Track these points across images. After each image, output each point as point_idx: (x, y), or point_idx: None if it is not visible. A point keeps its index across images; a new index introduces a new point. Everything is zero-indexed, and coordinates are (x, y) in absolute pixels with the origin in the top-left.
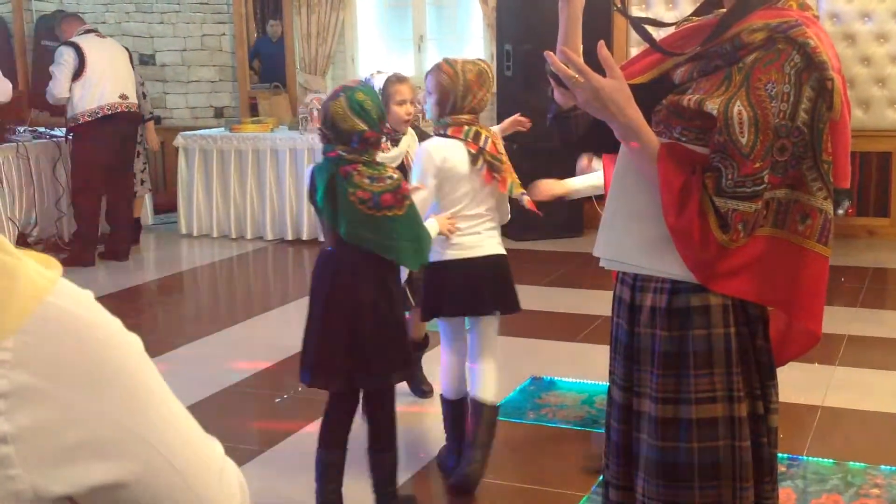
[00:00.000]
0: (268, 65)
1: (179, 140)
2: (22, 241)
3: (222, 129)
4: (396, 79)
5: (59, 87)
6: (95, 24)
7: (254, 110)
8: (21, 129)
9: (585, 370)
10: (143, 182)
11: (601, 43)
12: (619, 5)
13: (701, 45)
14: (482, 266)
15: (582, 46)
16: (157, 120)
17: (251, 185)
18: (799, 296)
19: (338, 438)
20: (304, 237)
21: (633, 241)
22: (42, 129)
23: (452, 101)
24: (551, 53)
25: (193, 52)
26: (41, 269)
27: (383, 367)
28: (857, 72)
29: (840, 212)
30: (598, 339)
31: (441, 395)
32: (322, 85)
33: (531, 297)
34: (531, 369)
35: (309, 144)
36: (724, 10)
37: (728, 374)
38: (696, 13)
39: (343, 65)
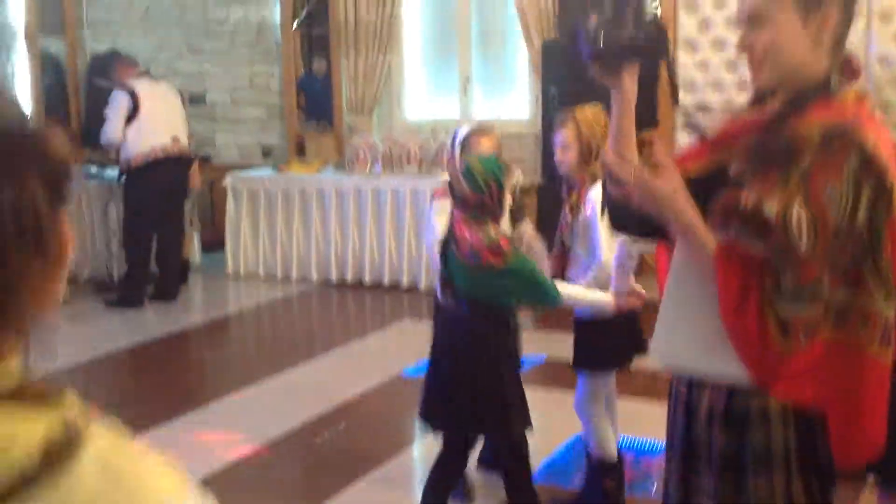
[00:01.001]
0: (312, 101)
1: (228, 180)
2: (72, 281)
3: (270, 169)
4: (479, 130)
5: (113, 130)
6: (147, 64)
7: (301, 149)
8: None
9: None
10: (191, 222)
11: (657, 143)
12: (677, 102)
13: (757, 140)
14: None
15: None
16: (206, 158)
17: (297, 226)
18: (860, 402)
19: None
20: (349, 279)
21: (689, 340)
22: (94, 170)
23: (595, 148)
24: (608, 151)
25: (242, 91)
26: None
27: (501, 418)
28: None
29: None
30: (643, 392)
31: (601, 459)
32: (368, 125)
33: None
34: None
35: (355, 185)
36: (779, 101)
37: (788, 479)
38: (751, 102)
39: (389, 105)
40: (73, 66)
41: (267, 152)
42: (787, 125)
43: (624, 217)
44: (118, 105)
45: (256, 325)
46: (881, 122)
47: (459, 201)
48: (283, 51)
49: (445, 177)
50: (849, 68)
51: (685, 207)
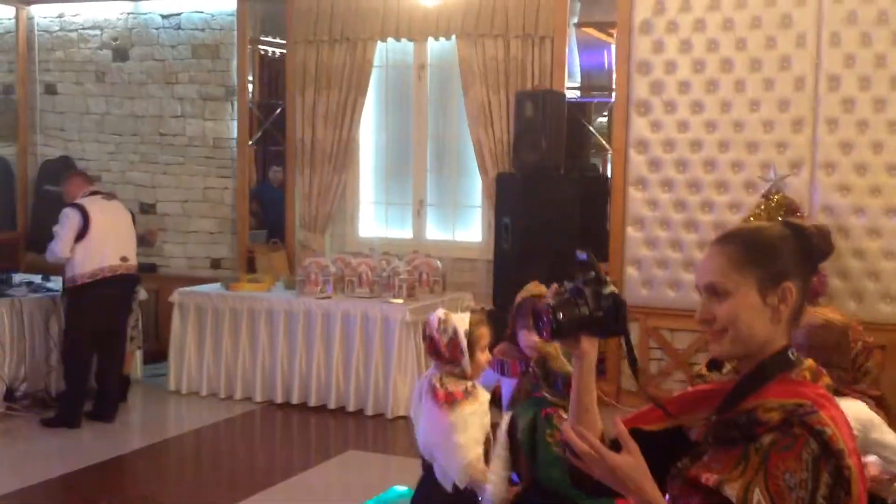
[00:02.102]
0: (268, 210)
1: (175, 296)
2: (9, 395)
3: (219, 285)
4: (479, 321)
5: (61, 248)
6: (100, 172)
7: (251, 264)
8: (16, 276)
9: None
10: (132, 339)
11: (616, 419)
12: (637, 375)
13: (717, 413)
14: None
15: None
16: (153, 268)
17: (244, 345)
18: None
19: None
20: (294, 401)
21: None
22: (37, 281)
23: None
24: (567, 428)
25: (195, 202)
26: None
27: None
28: (850, 265)
29: None
30: None
31: None
32: (321, 243)
33: None
34: None
35: (305, 307)
36: (738, 373)
37: None
38: (707, 366)
39: (343, 224)
40: (23, 170)
41: (216, 265)
42: (747, 402)
43: (583, 479)
44: (69, 223)
45: (196, 451)
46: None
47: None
48: (238, 165)
49: (398, 302)
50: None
51: (645, 486)
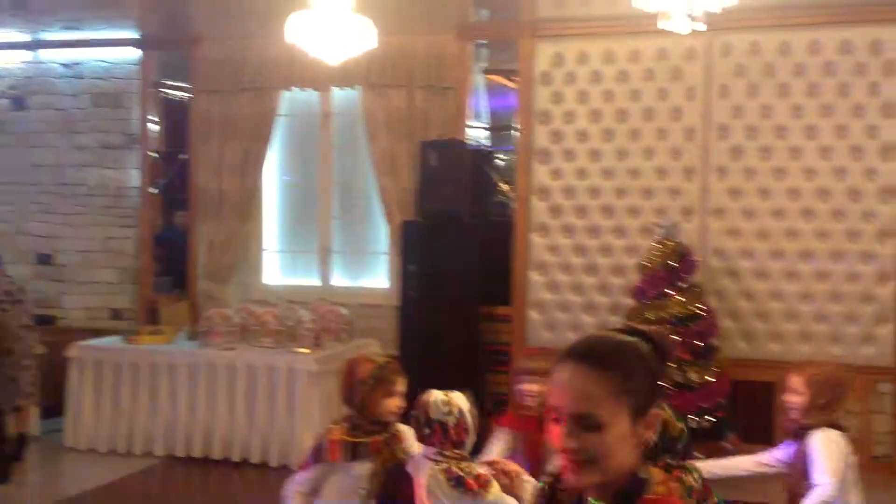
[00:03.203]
0: (173, 255)
1: (73, 350)
2: None
3: (119, 338)
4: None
5: None
6: None
7: (153, 314)
8: None
9: None
10: (30, 395)
11: None
12: None
13: None
14: None
15: None
16: (50, 320)
17: (144, 399)
18: None
19: None
20: (196, 454)
21: None
22: None
23: None
24: None
25: (95, 252)
26: None
27: None
28: (740, 306)
29: (727, 444)
30: None
31: None
32: (225, 293)
33: None
34: None
35: (208, 359)
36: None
37: None
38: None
39: (247, 273)
40: None
41: (117, 315)
42: None
43: None
44: None
45: None
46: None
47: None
48: (140, 214)
49: (304, 351)
50: (686, 262)
51: None
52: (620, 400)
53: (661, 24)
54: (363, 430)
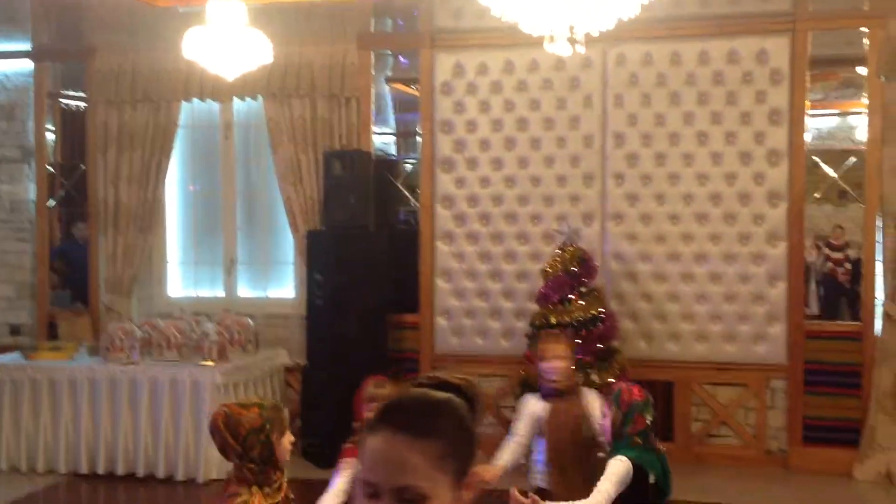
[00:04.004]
0: (73, 268)
1: None
2: None
3: (17, 354)
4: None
5: None
6: None
7: (53, 329)
8: None
9: None
10: None
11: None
12: None
13: None
14: None
15: None
16: None
17: (45, 416)
18: None
19: None
20: (100, 471)
21: None
22: None
23: None
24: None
25: None
26: None
27: None
28: (639, 307)
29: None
30: None
31: None
32: (127, 306)
33: None
34: None
35: (109, 375)
36: None
37: None
38: None
39: (150, 286)
40: None
41: (16, 331)
42: None
43: None
44: None
45: None
46: None
47: None
48: (37, 228)
49: (209, 364)
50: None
51: None
52: (442, 467)
53: (546, 48)
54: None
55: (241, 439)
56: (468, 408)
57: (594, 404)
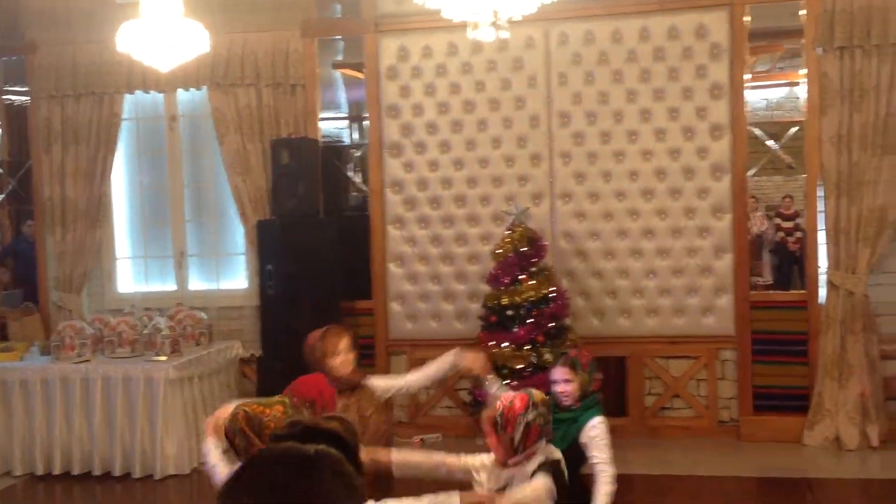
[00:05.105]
0: (24, 265)
1: None
2: None
3: None
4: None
5: None
6: None
7: (2, 330)
8: None
9: None
10: None
11: None
12: None
13: None
14: None
15: None
16: None
17: None
18: None
19: None
20: (56, 471)
21: None
22: None
23: None
24: None
25: None
26: None
27: None
28: (590, 285)
29: None
30: None
31: None
32: (77, 304)
33: None
34: None
35: (61, 373)
36: None
37: None
38: None
39: (100, 282)
40: None
41: None
42: None
43: None
44: None
45: None
46: None
47: None
48: None
49: (162, 359)
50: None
51: None
52: None
53: (469, 34)
54: None
55: (267, 439)
56: (345, 453)
57: (378, 392)
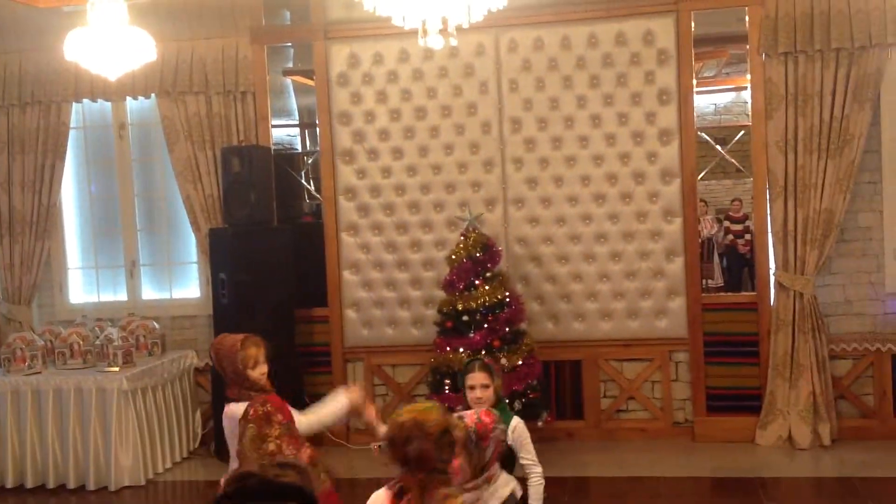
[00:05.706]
0: None
1: None
2: None
3: None
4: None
5: None
6: None
7: None
8: None
9: None
10: None
11: None
12: None
13: None
14: None
15: None
16: None
17: None
18: None
19: None
20: (9, 485)
21: None
22: None
23: None
24: None
25: None
26: None
27: None
28: (545, 289)
29: (540, 423)
30: None
31: None
32: (27, 315)
33: None
34: None
35: (12, 386)
36: None
37: None
38: None
39: (50, 293)
40: None
41: None
42: None
43: None
44: None
45: None
46: None
47: None
48: None
49: (114, 370)
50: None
51: None
52: None
53: (420, 41)
54: None
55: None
56: None
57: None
